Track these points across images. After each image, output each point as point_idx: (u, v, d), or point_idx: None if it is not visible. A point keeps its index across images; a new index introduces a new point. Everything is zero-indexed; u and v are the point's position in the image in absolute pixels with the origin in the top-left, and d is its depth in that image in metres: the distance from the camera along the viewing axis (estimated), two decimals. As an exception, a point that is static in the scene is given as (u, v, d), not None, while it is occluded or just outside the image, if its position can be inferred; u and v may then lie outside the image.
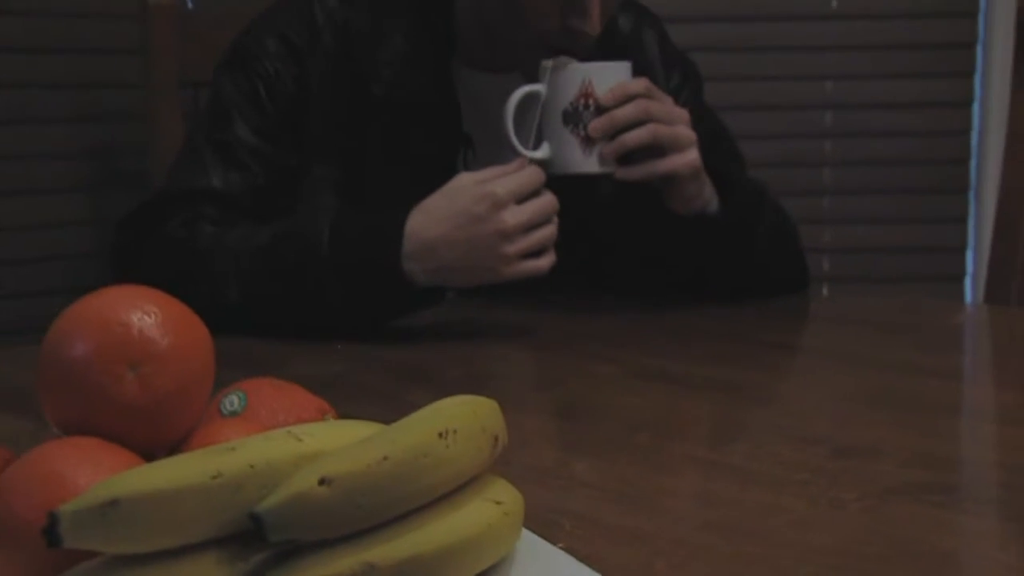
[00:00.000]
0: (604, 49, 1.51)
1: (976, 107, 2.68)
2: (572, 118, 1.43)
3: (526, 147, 1.44)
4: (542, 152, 1.44)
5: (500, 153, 1.54)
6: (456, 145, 1.58)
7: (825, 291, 2.62)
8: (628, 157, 1.43)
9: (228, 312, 1.40)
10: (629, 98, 1.42)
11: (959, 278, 2.73)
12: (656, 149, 1.43)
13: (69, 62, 2.20)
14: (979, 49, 2.67)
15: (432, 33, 1.57)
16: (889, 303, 1.99)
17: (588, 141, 1.43)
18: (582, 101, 1.43)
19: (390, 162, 1.56)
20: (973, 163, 2.70)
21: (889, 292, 2.65)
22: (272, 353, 1.35)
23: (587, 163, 1.43)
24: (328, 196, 1.56)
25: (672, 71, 1.65)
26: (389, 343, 1.38)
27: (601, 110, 1.42)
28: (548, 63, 1.45)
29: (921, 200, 2.72)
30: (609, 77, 1.44)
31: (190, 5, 2.29)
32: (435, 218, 1.38)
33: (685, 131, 1.44)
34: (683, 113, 1.46)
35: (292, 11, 1.60)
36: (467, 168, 1.55)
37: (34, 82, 2.16)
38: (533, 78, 1.45)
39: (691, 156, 1.44)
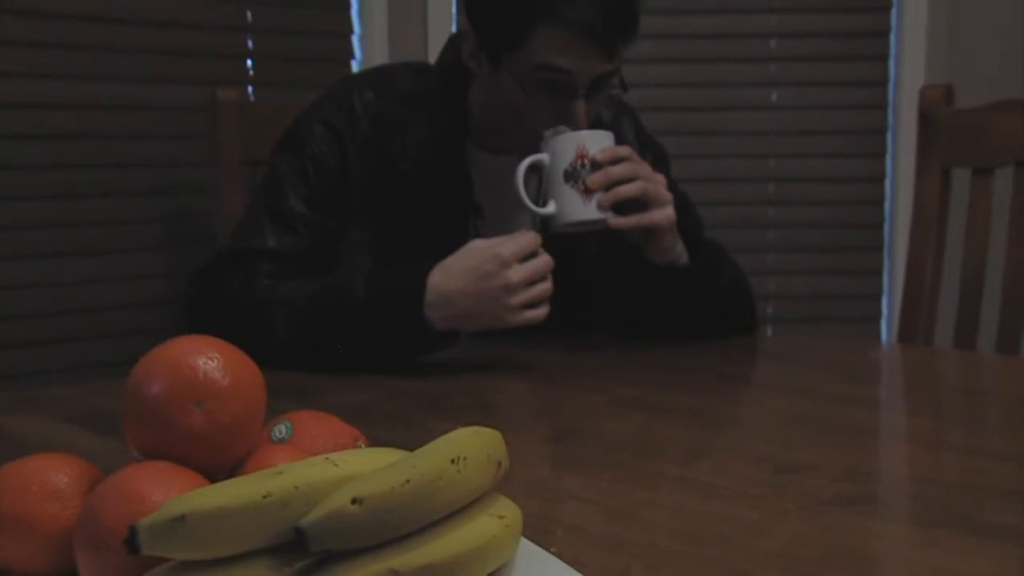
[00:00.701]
0: None
1: (888, 182, 2.70)
2: (572, 176, 1.43)
3: (536, 205, 1.44)
4: (549, 208, 1.44)
5: (505, 219, 1.55)
6: (468, 213, 1.58)
7: (769, 332, 2.62)
8: (618, 209, 1.44)
9: (279, 351, 1.40)
10: (619, 158, 1.43)
11: (876, 320, 2.73)
12: (641, 204, 1.44)
13: (153, 145, 2.21)
14: (889, 135, 2.69)
15: (450, 123, 1.57)
16: (821, 342, 1.99)
17: (587, 193, 1.42)
18: (579, 161, 1.43)
19: (414, 227, 1.55)
20: (887, 227, 2.71)
21: (821, 332, 2.65)
22: (313, 384, 1.34)
23: (587, 212, 1.43)
24: (363, 255, 1.55)
25: (646, 151, 1.65)
26: (411, 376, 1.37)
27: (596, 167, 1.42)
28: (548, 133, 1.45)
29: (846, 256, 2.72)
30: (599, 141, 1.45)
31: (252, 98, 2.30)
32: (452, 274, 1.39)
33: (664, 191, 1.45)
34: (661, 177, 1.46)
35: (335, 103, 1.60)
36: (477, 231, 1.56)
37: (125, 162, 2.17)
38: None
39: (669, 211, 1.45)
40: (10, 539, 0.70)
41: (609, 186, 1.42)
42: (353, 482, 0.63)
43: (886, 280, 2.72)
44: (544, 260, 1.39)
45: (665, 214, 1.45)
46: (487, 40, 1.48)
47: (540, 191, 1.46)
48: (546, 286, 1.39)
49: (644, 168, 1.45)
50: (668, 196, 1.45)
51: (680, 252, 1.51)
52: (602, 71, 1.46)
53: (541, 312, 1.39)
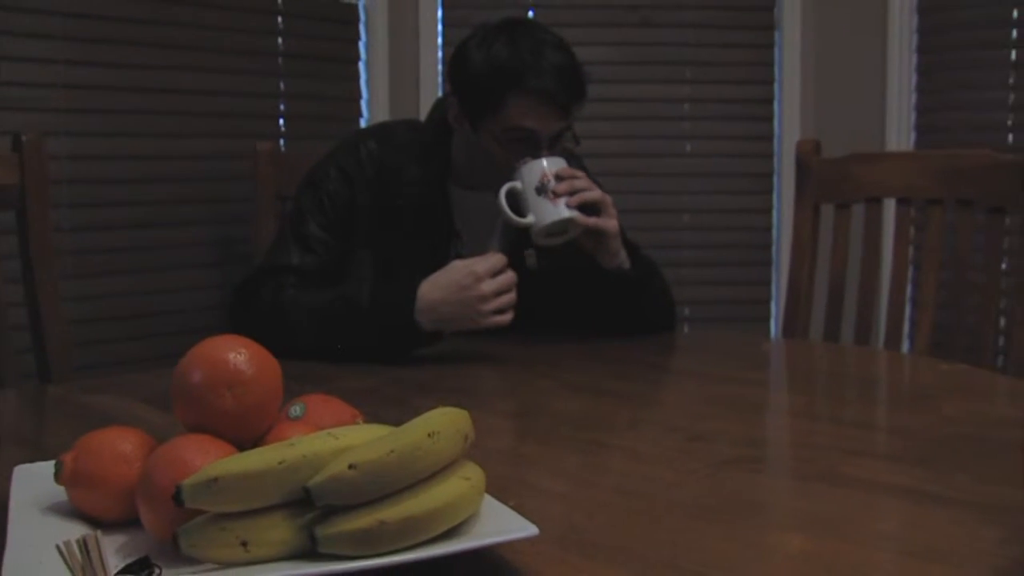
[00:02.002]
0: None
1: (774, 213, 2.70)
2: (542, 190, 1.42)
3: (520, 217, 1.42)
4: (529, 218, 1.42)
5: (479, 243, 1.53)
6: (450, 237, 1.56)
7: (686, 329, 2.61)
8: (581, 210, 1.42)
9: (301, 346, 1.38)
10: (576, 175, 1.43)
11: (767, 320, 2.73)
12: (596, 212, 1.43)
13: (207, 186, 2.19)
14: (775, 178, 2.69)
15: (436, 167, 1.55)
16: (724, 336, 1.99)
17: (556, 198, 1.41)
18: (546, 178, 1.42)
19: (407, 248, 1.53)
20: (774, 248, 2.71)
21: (725, 329, 2.64)
22: (327, 372, 1.32)
23: (559, 212, 1.41)
24: (367, 270, 1.53)
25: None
26: (404, 367, 1.35)
27: (559, 180, 1.41)
28: (518, 163, 1.43)
29: (744, 270, 2.72)
30: (559, 163, 1.44)
31: (283, 148, 2.28)
32: (436, 287, 1.37)
33: (612, 204, 1.45)
34: (607, 195, 1.45)
35: (346, 151, 1.58)
36: (457, 252, 1.54)
37: (186, 199, 2.16)
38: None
39: (616, 222, 1.45)
40: (88, 492, 0.72)
41: (573, 192, 1.41)
42: (349, 452, 0.62)
43: (774, 288, 2.72)
44: (510, 276, 1.38)
45: (615, 221, 1.45)
46: (468, 108, 1.47)
47: (518, 210, 1.43)
48: (511, 296, 1.38)
49: (595, 185, 1.45)
50: (614, 207, 1.45)
51: (624, 259, 1.50)
52: (560, 128, 1.46)
53: (507, 317, 1.38)
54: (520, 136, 1.44)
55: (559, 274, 1.49)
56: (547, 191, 1.41)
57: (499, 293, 1.37)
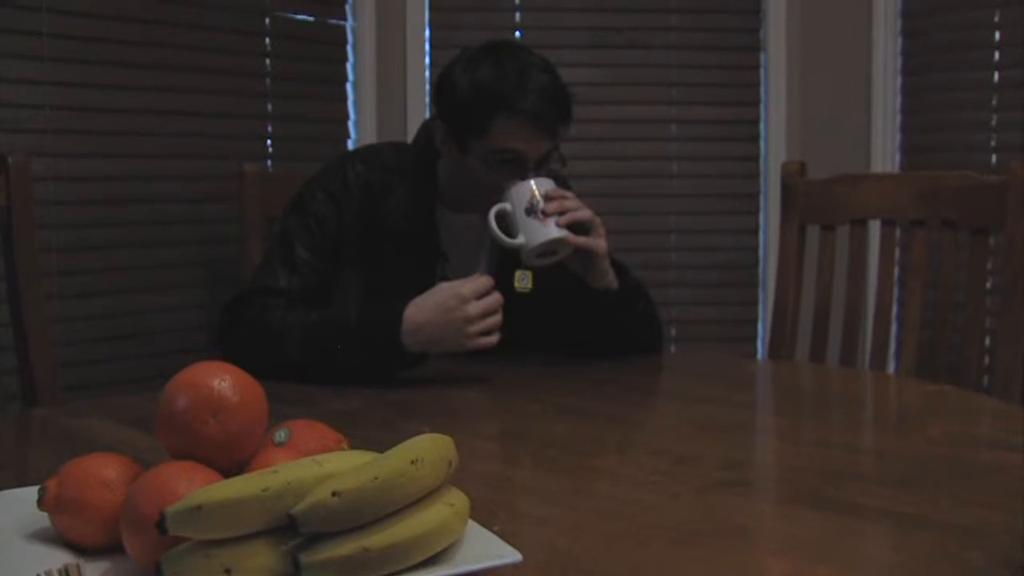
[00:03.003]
0: None
1: (761, 234, 2.71)
2: (531, 211, 1.41)
3: (510, 238, 1.42)
4: (519, 239, 1.42)
5: (465, 264, 1.53)
6: (436, 259, 1.56)
7: (673, 349, 2.61)
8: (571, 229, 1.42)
9: (288, 368, 1.37)
10: (564, 195, 1.42)
11: (754, 340, 2.73)
12: (586, 231, 1.43)
13: (196, 207, 2.19)
14: (761, 198, 2.70)
15: (423, 188, 1.55)
16: (711, 357, 2.00)
17: (546, 218, 1.41)
18: (535, 199, 1.41)
19: (394, 270, 1.53)
20: (760, 268, 2.71)
21: (711, 349, 2.65)
22: (314, 394, 1.32)
23: (549, 232, 1.41)
24: (355, 291, 1.53)
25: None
26: (391, 388, 1.35)
27: (549, 200, 1.41)
28: (507, 185, 1.43)
29: (730, 290, 2.72)
30: (547, 183, 1.44)
31: (271, 169, 2.28)
32: (422, 308, 1.37)
33: (601, 224, 1.45)
34: (596, 215, 1.45)
35: (333, 173, 1.58)
36: (444, 274, 1.53)
37: (174, 220, 2.15)
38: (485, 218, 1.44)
39: (604, 241, 1.45)
40: (72, 518, 0.71)
41: (562, 212, 1.41)
42: (333, 479, 0.63)
43: (760, 309, 2.72)
44: (496, 297, 1.38)
45: (604, 242, 1.45)
46: (455, 131, 1.47)
47: (508, 231, 1.43)
48: (497, 318, 1.37)
49: (584, 204, 1.44)
50: (603, 231, 1.45)
51: (612, 279, 1.50)
52: (547, 149, 1.46)
53: (493, 339, 1.37)
54: (507, 158, 1.45)
55: (547, 294, 1.49)
56: (537, 212, 1.41)
57: (485, 315, 1.37)
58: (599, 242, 1.44)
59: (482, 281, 1.38)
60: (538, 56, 1.48)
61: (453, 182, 1.54)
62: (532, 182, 1.43)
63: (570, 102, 1.46)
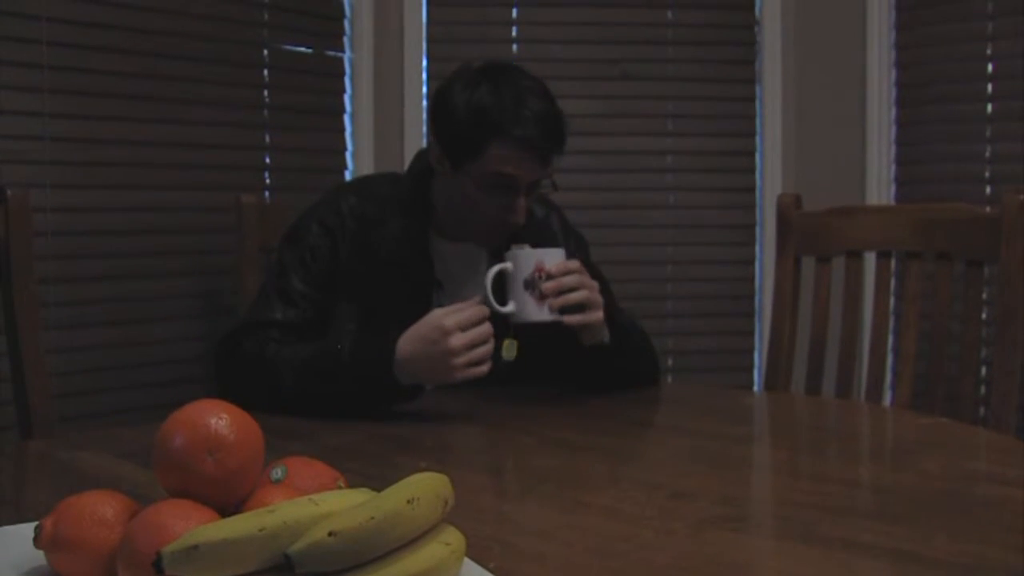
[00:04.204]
0: (527, 228, 1.50)
1: (757, 265, 2.72)
2: (530, 285, 1.41)
3: (500, 305, 1.42)
4: (510, 307, 1.41)
5: (460, 292, 1.53)
6: (431, 288, 1.56)
7: (670, 379, 2.62)
8: (564, 309, 1.41)
9: (283, 401, 1.38)
10: (569, 271, 1.41)
11: (750, 370, 2.73)
12: (582, 305, 1.42)
13: (193, 238, 2.20)
14: (757, 230, 2.71)
15: (417, 219, 1.56)
16: (707, 390, 2.00)
17: (542, 299, 1.40)
18: (536, 273, 1.40)
19: (389, 300, 1.54)
20: (756, 299, 2.72)
21: (706, 381, 2.65)
22: (309, 428, 1.32)
23: (541, 314, 1.40)
24: (350, 322, 1.54)
25: (569, 239, 1.65)
26: (386, 422, 1.35)
27: (550, 278, 1.40)
28: (513, 248, 1.43)
29: (726, 321, 2.73)
30: (554, 257, 1.43)
31: (268, 201, 2.29)
32: (409, 341, 1.36)
33: (598, 296, 1.44)
34: (595, 283, 1.44)
35: (327, 205, 1.59)
36: (439, 302, 1.53)
37: (166, 250, 2.15)
38: (482, 247, 1.44)
39: (601, 311, 1.44)
40: (68, 557, 0.71)
41: (560, 292, 1.40)
42: (330, 518, 0.63)
43: (756, 339, 2.73)
44: (485, 328, 1.36)
45: (599, 314, 1.44)
46: (449, 151, 1.48)
47: (502, 291, 1.42)
48: (485, 349, 1.36)
49: (586, 278, 1.43)
50: (600, 300, 1.44)
51: (605, 334, 1.49)
52: (539, 176, 1.47)
53: (482, 369, 1.36)
54: (500, 182, 1.45)
55: (537, 352, 1.48)
56: (535, 287, 1.40)
57: (473, 346, 1.35)
58: (594, 316, 1.43)
59: (472, 311, 1.36)
60: (535, 81, 1.49)
61: (447, 207, 1.55)
62: (540, 253, 1.42)
63: (565, 129, 1.47)
